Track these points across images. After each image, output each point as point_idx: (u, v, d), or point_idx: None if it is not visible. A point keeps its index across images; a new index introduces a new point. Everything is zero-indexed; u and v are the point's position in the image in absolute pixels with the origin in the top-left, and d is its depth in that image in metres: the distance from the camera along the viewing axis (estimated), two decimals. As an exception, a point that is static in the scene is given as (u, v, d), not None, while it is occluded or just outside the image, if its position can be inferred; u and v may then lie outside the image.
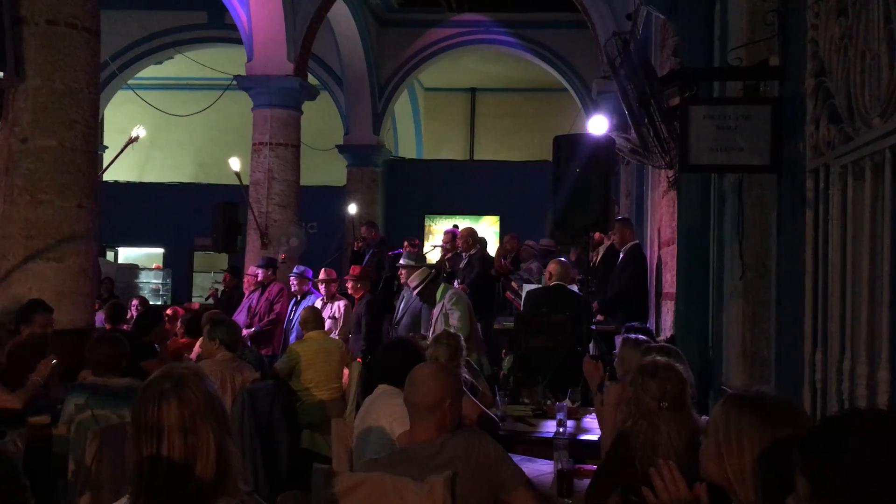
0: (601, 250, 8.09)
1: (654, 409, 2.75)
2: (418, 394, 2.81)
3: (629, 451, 2.76)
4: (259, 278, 9.28)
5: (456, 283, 7.97)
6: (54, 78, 6.19)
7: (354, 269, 8.53)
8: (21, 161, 6.13)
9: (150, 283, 15.39)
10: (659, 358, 2.97)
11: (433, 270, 6.79)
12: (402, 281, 7.12)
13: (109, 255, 16.49)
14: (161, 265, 16.64)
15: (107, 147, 16.42)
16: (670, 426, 2.71)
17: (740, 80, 3.89)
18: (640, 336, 4.27)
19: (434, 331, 6.45)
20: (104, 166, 10.80)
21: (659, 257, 7.36)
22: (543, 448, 4.13)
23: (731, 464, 1.91)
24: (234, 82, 12.30)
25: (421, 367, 2.93)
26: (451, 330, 6.16)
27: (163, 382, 1.99)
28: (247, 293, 9.70)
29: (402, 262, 7.13)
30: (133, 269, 15.20)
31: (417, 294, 6.74)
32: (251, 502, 1.94)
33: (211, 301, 11.55)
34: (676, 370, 2.86)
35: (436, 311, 6.61)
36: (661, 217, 7.22)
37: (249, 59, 11.96)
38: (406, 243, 10.55)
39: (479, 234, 9.51)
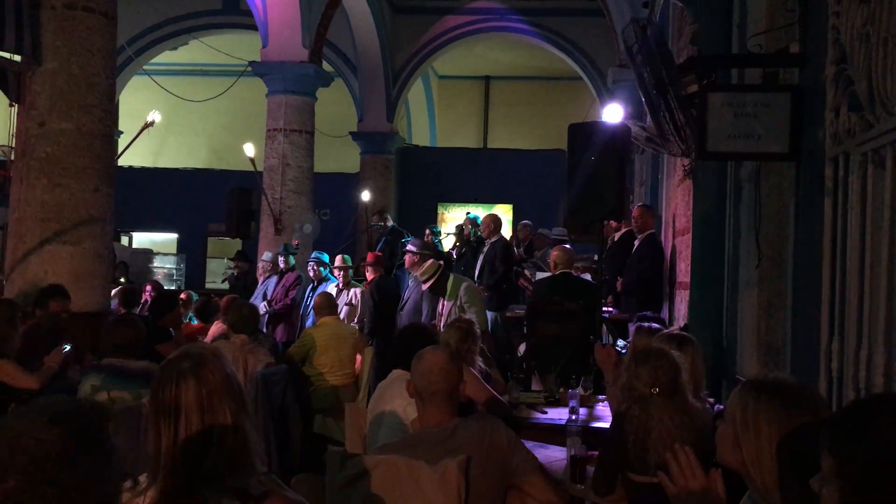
0: (616, 237, 8.07)
1: (646, 394, 2.77)
2: (426, 380, 2.81)
3: (622, 436, 2.78)
4: (281, 266, 9.34)
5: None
6: (71, 62, 6.21)
7: (370, 256, 8.55)
8: (38, 144, 6.17)
9: (164, 267, 15.46)
10: (653, 344, 2.99)
11: (441, 264, 6.77)
12: (406, 266, 7.12)
13: (124, 240, 16.57)
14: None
15: (122, 132, 16.45)
16: (662, 412, 2.72)
17: (759, 67, 3.86)
18: (654, 324, 4.27)
19: (445, 319, 6.46)
20: (119, 151, 10.83)
21: (673, 246, 7.33)
22: (556, 435, 4.13)
23: (748, 449, 1.91)
24: (249, 68, 12.30)
25: (427, 354, 2.89)
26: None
27: (181, 362, 2.00)
28: (260, 280, 9.74)
29: (408, 247, 7.16)
30: (147, 254, 15.28)
31: (429, 288, 6.73)
32: (268, 482, 1.95)
33: (227, 285, 11.60)
34: (669, 357, 2.87)
35: (448, 303, 6.60)
36: (676, 206, 7.19)
37: (264, 46, 11.96)
38: (428, 231, 10.61)
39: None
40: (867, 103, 2.76)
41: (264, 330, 8.52)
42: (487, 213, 10.22)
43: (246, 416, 2.02)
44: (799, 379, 2.15)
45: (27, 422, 1.31)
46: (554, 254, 6.74)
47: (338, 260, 8.66)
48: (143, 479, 1.99)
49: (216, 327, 6.97)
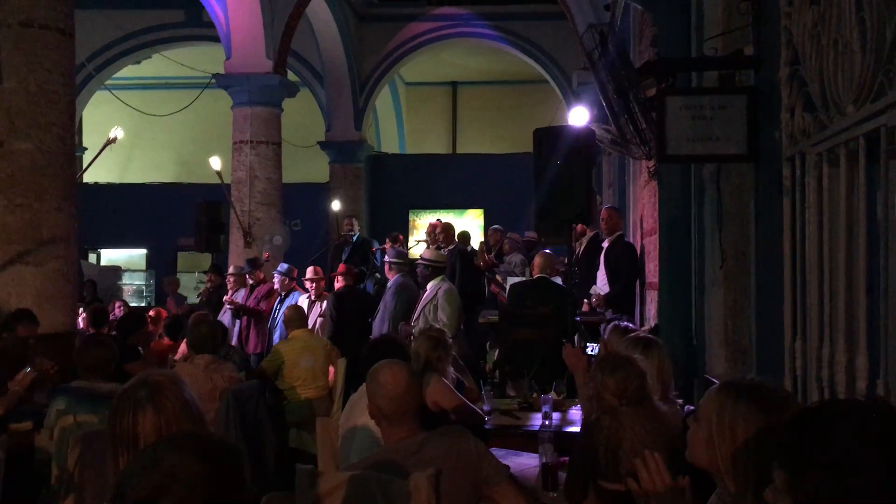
0: (584, 241, 8.09)
1: (615, 405, 2.78)
2: (392, 404, 2.77)
3: (593, 444, 2.79)
4: (249, 281, 9.26)
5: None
6: (28, 80, 6.12)
7: (341, 267, 8.51)
8: (-3, 165, 6.07)
9: (134, 284, 15.29)
10: (618, 354, 3.01)
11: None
12: (390, 278, 7.17)
13: (92, 258, 16.37)
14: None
15: (86, 149, 16.29)
16: (633, 420, 2.74)
17: (716, 69, 3.90)
18: (629, 324, 4.28)
19: (418, 318, 6.46)
20: (83, 168, 10.71)
21: (642, 247, 7.38)
22: (530, 441, 4.13)
23: (723, 450, 1.91)
24: (213, 81, 12.22)
25: (385, 376, 2.79)
26: (438, 325, 6.17)
27: (137, 391, 1.97)
28: (230, 292, 9.65)
29: (388, 258, 7.18)
30: (116, 271, 15.10)
31: (420, 274, 6.83)
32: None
33: (199, 300, 11.48)
34: (634, 365, 2.89)
35: (424, 298, 6.62)
36: (644, 207, 7.24)
37: (228, 58, 11.88)
38: (388, 240, 10.56)
39: (461, 230, 9.54)
40: (820, 104, 2.80)
41: (234, 342, 8.45)
42: (455, 219, 10.26)
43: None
44: (771, 380, 2.17)
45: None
46: (536, 258, 6.77)
47: (309, 271, 8.60)
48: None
49: (185, 345, 6.89)
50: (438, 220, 11.11)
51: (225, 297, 9.01)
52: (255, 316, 8.73)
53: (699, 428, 2.00)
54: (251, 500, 1.46)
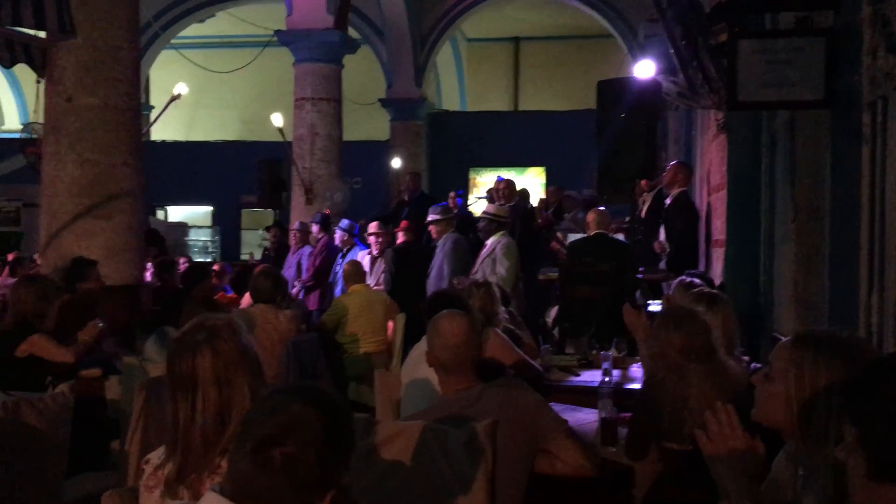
0: (648, 198, 7.91)
1: (681, 362, 2.68)
2: (449, 353, 2.73)
3: (657, 405, 2.70)
4: (315, 234, 9.37)
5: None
6: (94, 36, 6.19)
7: (403, 223, 8.51)
8: (66, 120, 6.19)
9: (200, 240, 15.63)
10: (680, 308, 2.90)
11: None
12: (434, 237, 7.14)
13: (160, 214, 16.77)
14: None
15: (153, 107, 16.57)
16: (701, 378, 2.64)
17: (792, 10, 3.70)
18: (696, 280, 4.16)
19: (477, 272, 6.43)
20: (150, 124, 10.90)
21: (708, 204, 7.17)
22: (588, 397, 4.08)
23: (802, 407, 1.77)
24: (275, 38, 12.25)
25: (444, 325, 2.77)
26: (496, 278, 6.14)
27: (196, 334, 1.98)
28: (293, 249, 9.76)
29: (429, 217, 7.17)
30: (182, 228, 15.44)
31: (482, 229, 6.85)
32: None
33: (259, 256, 11.69)
34: (698, 319, 2.78)
35: (484, 252, 6.59)
36: (711, 162, 7.02)
37: (289, 14, 11.88)
38: (452, 194, 10.55)
39: (520, 188, 9.42)
40: (906, 44, 2.62)
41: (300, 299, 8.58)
42: (516, 177, 10.15)
43: (263, 386, 1.99)
44: (849, 330, 2.04)
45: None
46: (590, 215, 6.65)
47: (372, 226, 8.60)
48: (160, 451, 1.98)
49: (248, 298, 7.00)
50: (504, 178, 11.01)
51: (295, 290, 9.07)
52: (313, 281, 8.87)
53: (772, 384, 1.88)
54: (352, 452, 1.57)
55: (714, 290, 3.81)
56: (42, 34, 6.18)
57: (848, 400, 1.38)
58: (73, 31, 6.04)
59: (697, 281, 4.08)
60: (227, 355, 1.96)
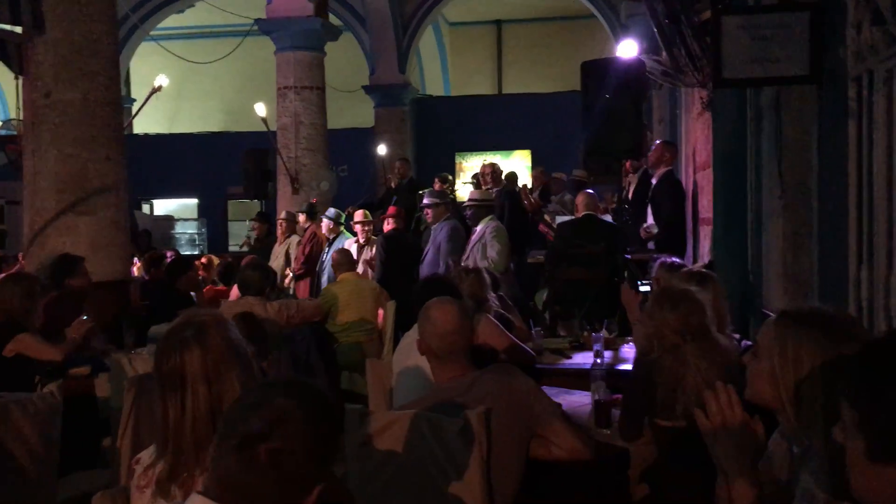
0: (634, 178, 7.90)
1: (678, 342, 2.68)
2: (441, 341, 2.71)
3: (651, 384, 2.70)
4: (301, 223, 9.33)
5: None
6: (72, 30, 6.11)
7: (391, 209, 8.47)
8: (46, 115, 6.11)
9: (186, 233, 15.53)
10: (675, 288, 2.89)
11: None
12: (430, 221, 7.09)
13: (145, 208, 16.65)
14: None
15: (134, 100, 16.42)
16: (697, 357, 2.64)
17: (776, -14, 3.68)
18: (676, 259, 4.16)
19: (468, 257, 6.41)
20: (132, 117, 10.80)
21: (695, 182, 7.16)
22: (581, 380, 4.08)
23: (787, 383, 1.77)
24: (255, 27, 12.13)
25: (435, 312, 2.75)
26: (487, 262, 6.12)
27: (183, 330, 1.95)
28: (280, 239, 9.71)
29: (425, 201, 7.10)
30: (169, 221, 15.34)
31: (470, 216, 6.81)
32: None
33: (245, 249, 11.61)
34: (694, 299, 2.77)
35: (473, 238, 6.56)
36: (696, 140, 7.01)
37: (269, 2, 11.77)
38: (437, 180, 10.47)
39: (508, 171, 9.40)
40: (891, 16, 2.61)
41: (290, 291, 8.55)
42: (502, 161, 10.12)
43: (254, 381, 1.97)
44: (836, 307, 2.03)
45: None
46: (578, 198, 6.64)
47: (358, 215, 8.57)
48: (150, 450, 1.96)
49: (236, 290, 6.97)
50: (489, 161, 10.97)
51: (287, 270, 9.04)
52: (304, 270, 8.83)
53: (760, 363, 1.88)
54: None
55: (703, 269, 3.81)
56: (18, 29, 6.09)
57: (846, 382, 1.36)
58: (43, 26, 5.96)
59: (678, 260, 4.08)
60: (216, 351, 1.93)
